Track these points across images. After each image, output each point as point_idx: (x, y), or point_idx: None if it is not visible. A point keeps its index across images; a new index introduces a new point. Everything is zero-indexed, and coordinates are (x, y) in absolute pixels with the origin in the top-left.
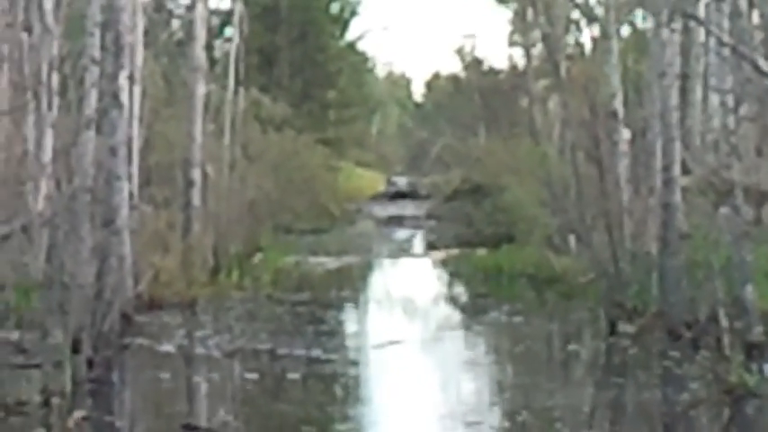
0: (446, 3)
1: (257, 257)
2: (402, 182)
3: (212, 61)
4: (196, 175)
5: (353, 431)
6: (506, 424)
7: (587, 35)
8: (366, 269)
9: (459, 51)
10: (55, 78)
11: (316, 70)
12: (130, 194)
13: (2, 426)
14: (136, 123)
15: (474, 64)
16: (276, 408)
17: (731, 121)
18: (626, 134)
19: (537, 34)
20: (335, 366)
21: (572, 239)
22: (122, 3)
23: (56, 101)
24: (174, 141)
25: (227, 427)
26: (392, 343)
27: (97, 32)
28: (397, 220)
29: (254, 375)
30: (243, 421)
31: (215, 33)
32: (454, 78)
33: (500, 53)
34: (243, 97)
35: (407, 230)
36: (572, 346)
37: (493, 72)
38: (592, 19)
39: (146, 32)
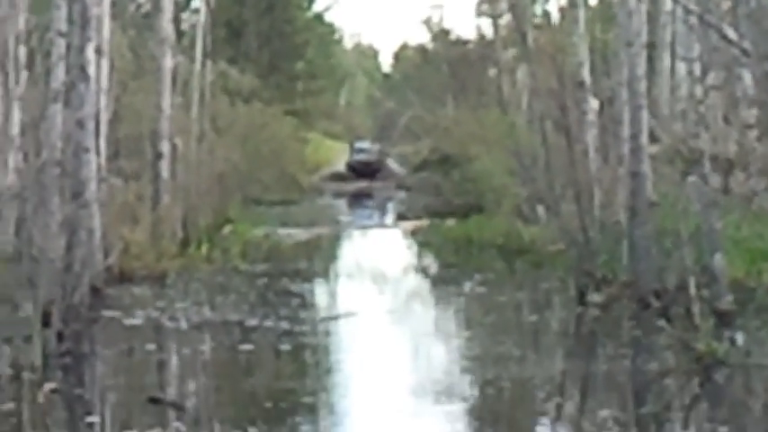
0: None
1: (226, 229)
2: (368, 148)
3: (180, 33)
4: (165, 147)
5: (319, 405)
6: (476, 394)
7: (555, 4)
8: (335, 240)
9: (427, 22)
10: (22, 52)
11: (283, 42)
12: (99, 167)
13: None
14: (103, 96)
15: (442, 34)
16: (243, 380)
17: (698, 89)
18: (594, 103)
19: (504, 4)
20: (305, 338)
21: (541, 209)
22: None
23: (23, 74)
24: (143, 114)
25: (191, 400)
26: (360, 314)
27: (64, 5)
28: (367, 191)
29: (224, 347)
30: (207, 393)
31: (182, 5)
32: (422, 49)
33: (468, 23)
34: (210, 69)
35: (376, 201)
36: (541, 316)
37: (461, 42)
38: None
39: (113, 5)
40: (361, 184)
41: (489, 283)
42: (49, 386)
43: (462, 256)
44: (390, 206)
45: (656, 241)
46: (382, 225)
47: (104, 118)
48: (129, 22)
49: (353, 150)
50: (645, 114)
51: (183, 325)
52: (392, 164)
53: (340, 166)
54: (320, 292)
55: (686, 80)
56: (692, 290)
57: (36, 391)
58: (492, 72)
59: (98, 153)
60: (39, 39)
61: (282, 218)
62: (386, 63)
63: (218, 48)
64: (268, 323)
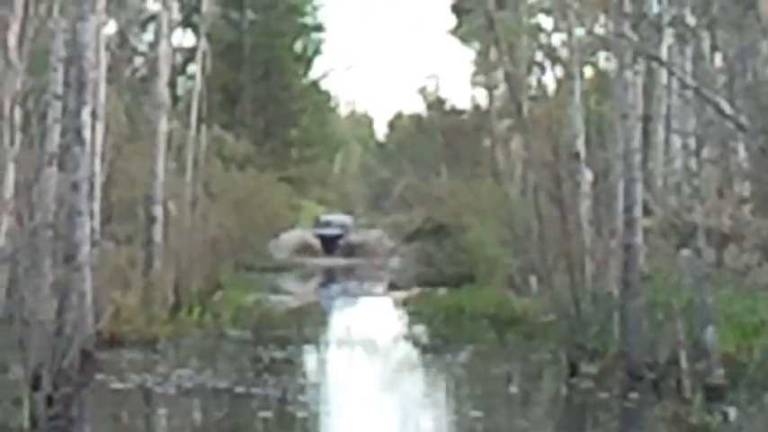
0: (410, 42)
1: (218, 295)
2: (335, 221)
3: (175, 98)
4: (158, 211)
5: None
6: None
7: (550, 76)
8: (327, 308)
9: (422, 91)
10: (17, 114)
11: (279, 108)
12: (92, 231)
13: None
14: (98, 160)
15: (437, 104)
16: None
17: (693, 163)
18: (588, 175)
19: (500, 74)
20: (295, 406)
21: (533, 280)
22: (86, 39)
23: (18, 136)
24: (137, 178)
25: None
26: (349, 382)
27: (61, 68)
28: (338, 267)
29: (211, 414)
30: None
31: (178, 70)
32: (417, 118)
33: (463, 93)
34: (205, 134)
35: (368, 270)
36: (532, 387)
37: (455, 112)
38: (555, 60)
39: (109, 69)
40: (331, 261)
41: (480, 354)
42: None
43: (454, 326)
44: (382, 275)
45: (648, 314)
46: (374, 294)
47: (98, 181)
48: (125, 86)
49: (317, 224)
50: (639, 187)
51: (173, 391)
52: (372, 238)
53: (306, 237)
54: (310, 360)
55: (681, 153)
56: (684, 363)
57: None
58: (486, 142)
59: (91, 216)
60: (35, 101)
61: (274, 284)
62: (380, 131)
63: (214, 113)
64: (257, 390)
